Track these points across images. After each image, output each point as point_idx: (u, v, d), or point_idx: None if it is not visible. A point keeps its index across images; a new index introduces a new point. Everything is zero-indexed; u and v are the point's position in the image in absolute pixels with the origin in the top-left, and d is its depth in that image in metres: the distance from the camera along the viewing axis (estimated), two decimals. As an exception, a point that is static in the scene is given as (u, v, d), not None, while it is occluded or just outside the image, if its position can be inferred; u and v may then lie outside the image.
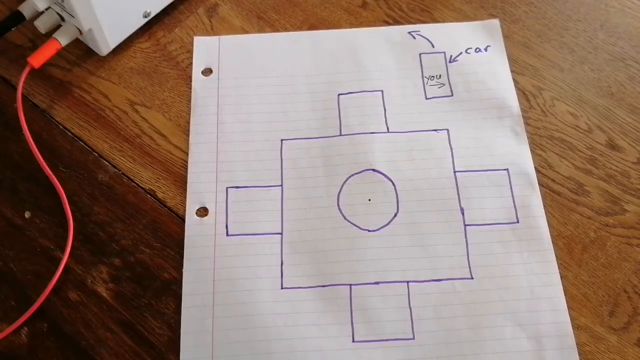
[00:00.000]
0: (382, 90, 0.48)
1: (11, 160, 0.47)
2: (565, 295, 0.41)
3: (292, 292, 0.41)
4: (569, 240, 0.43)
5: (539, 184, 0.45)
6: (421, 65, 0.50)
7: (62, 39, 0.47)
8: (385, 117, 0.47)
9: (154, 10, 0.51)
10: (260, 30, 0.52)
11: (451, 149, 0.46)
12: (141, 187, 0.46)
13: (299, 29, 0.52)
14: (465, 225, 0.43)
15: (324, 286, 0.41)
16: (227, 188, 0.45)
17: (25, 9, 0.46)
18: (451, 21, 0.52)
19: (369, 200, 0.44)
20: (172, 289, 0.42)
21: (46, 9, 0.46)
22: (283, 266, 0.42)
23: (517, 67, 0.50)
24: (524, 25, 0.52)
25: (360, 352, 0.40)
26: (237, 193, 0.45)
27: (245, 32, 0.52)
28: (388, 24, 0.52)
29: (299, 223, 0.44)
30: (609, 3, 0.53)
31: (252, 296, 0.41)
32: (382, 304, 0.41)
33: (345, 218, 0.44)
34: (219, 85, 0.49)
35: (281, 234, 0.43)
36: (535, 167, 0.45)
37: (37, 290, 0.42)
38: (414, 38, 0.51)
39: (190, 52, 0.51)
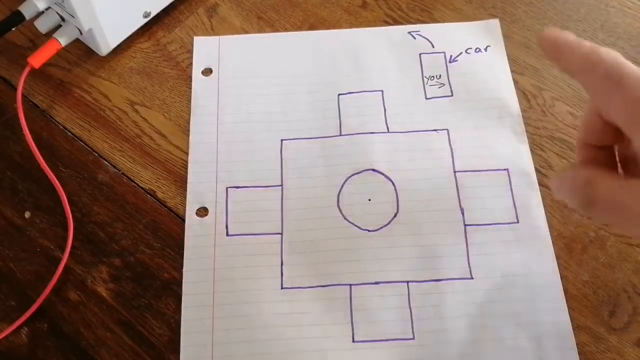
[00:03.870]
0: (382, 90, 0.48)
1: (11, 160, 0.47)
2: (565, 295, 0.41)
3: (292, 292, 0.41)
4: (569, 240, 0.43)
5: (539, 184, 0.45)
6: (421, 65, 0.50)
7: (62, 39, 0.47)
8: (385, 117, 0.47)
9: (154, 10, 0.51)
10: (260, 30, 0.52)
11: (451, 149, 0.46)
12: (141, 187, 0.46)
13: (299, 29, 0.52)
14: (465, 225, 0.43)
15: (324, 286, 0.41)
16: (227, 188, 0.45)
17: (25, 9, 0.46)
18: (451, 21, 0.52)
19: (369, 200, 0.44)
20: (172, 289, 0.42)
21: (46, 9, 0.46)
22: (283, 266, 0.42)
23: (517, 67, 0.50)
24: (524, 25, 0.52)
25: (360, 352, 0.40)
26: (237, 193, 0.45)
27: (245, 32, 0.52)
28: (388, 24, 0.52)
29: (299, 223, 0.44)
30: (609, 3, 0.53)
31: (252, 296, 0.41)
32: (382, 304, 0.41)
33: (345, 218, 0.44)
34: (219, 85, 0.49)
35: (281, 234, 0.43)
36: (535, 167, 0.45)
37: (37, 290, 0.42)
38: (414, 38, 0.51)
39: (190, 52, 0.51)
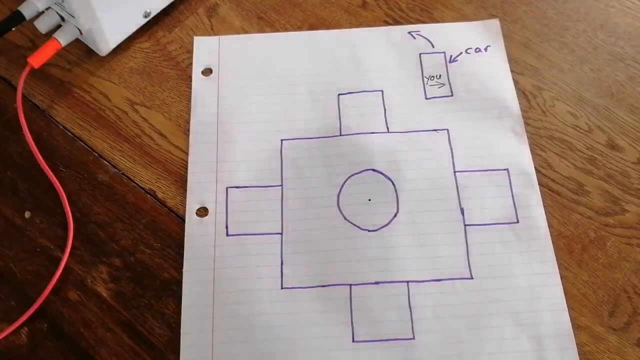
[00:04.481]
0: (382, 90, 0.48)
1: (11, 160, 0.47)
2: (565, 295, 0.41)
3: (292, 292, 0.41)
4: (569, 240, 0.43)
5: (539, 184, 0.45)
6: (421, 65, 0.50)
7: (62, 39, 0.47)
8: (385, 117, 0.47)
9: (154, 10, 0.51)
10: (260, 30, 0.52)
11: (451, 149, 0.46)
12: (141, 187, 0.46)
13: (299, 29, 0.52)
14: (465, 225, 0.43)
15: (324, 286, 0.41)
16: (227, 188, 0.45)
17: (25, 9, 0.46)
18: (451, 21, 0.52)
19: (369, 200, 0.44)
20: (172, 289, 0.42)
21: (46, 9, 0.46)
22: (283, 266, 0.42)
23: (517, 67, 0.50)
24: (524, 25, 0.52)
25: (360, 352, 0.40)
26: (237, 193, 0.45)
27: (245, 32, 0.52)
28: (388, 24, 0.52)
29: (299, 223, 0.44)
30: (609, 3, 0.53)
31: (252, 296, 0.41)
32: (382, 304, 0.41)
33: (345, 218, 0.44)
34: (219, 85, 0.49)
35: (281, 234, 0.43)
36: (535, 167, 0.45)
37: (37, 290, 0.42)
38: (414, 38, 0.51)
39: (190, 52, 0.51)
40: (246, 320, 0.41)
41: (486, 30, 0.51)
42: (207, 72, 0.50)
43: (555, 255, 0.42)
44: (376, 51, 0.50)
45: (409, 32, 0.51)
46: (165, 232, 0.44)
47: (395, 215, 0.44)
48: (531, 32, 0.52)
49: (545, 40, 0.51)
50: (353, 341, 0.40)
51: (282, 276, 0.42)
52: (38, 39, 0.51)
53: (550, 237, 0.43)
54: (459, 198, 0.44)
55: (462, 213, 0.44)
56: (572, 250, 0.43)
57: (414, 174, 0.45)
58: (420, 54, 0.50)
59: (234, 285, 0.42)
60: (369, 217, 0.44)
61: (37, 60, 0.46)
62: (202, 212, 0.44)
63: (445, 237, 0.43)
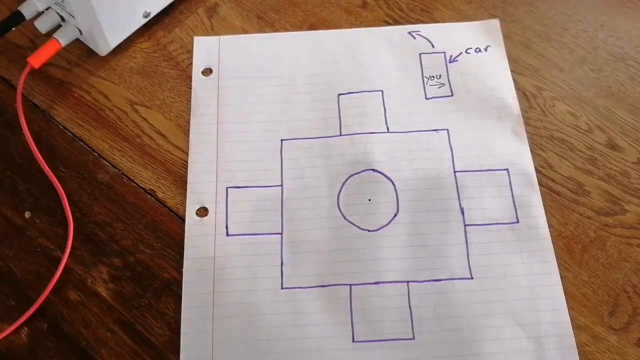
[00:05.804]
0: (382, 90, 0.48)
1: (11, 160, 0.47)
2: (565, 295, 0.41)
3: (292, 292, 0.41)
4: (569, 240, 0.43)
5: (539, 184, 0.45)
6: (421, 65, 0.50)
7: (62, 39, 0.47)
8: (385, 117, 0.47)
9: (154, 10, 0.51)
10: (260, 30, 0.52)
11: (451, 149, 0.46)
12: (141, 187, 0.46)
13: (299, 29, 0.52)
14: (465, 225, 0.43)
15: (324, 286, 0.41)
16: (227, 188, 0.45)
17: (25, 9, 0.46)
18: (451, 21, 0.52)
19: (369, 200, 0.44)
20: (172, 289, 0.42)
21: (46, 9, 0.46)
22: (283, 266, 0.42)
23: (517, 67, 0.50)
24: (524, 25, 0.52)
25: (360, 352, 0.40)
26: (237, 193, 0.45)
27: (245, 32, 0.52)
28: (388, 24, 0.52)
29: (299, 223, 0.44)
30: (609, 3, 0.53)
31: (252, 296, 0.41)
32: (382, 304, 0.41)
33: (345, 218, 0.44)
34: (219, 85, 0.49)
35: (281, 234, 0.43)
36: (535, 167, 0.45)
37: (37, 290, 0.42)
38: (414, 38, 0.51)
39: (190, 52, 0.51)
40: (246, 320, 0.41)
41: (486, 30, 0.51)
42: (207, 72, 0.50)
43: (555, 255, 0.42)
44: (376, 51, 0.50)
45: (409, 32, 0.51)
46: (165, 232, 0.44)
47: (395, 215, 0.44)
48: (531, 32, 0.52)
49: (545, 40, 0.51)
50: (353, 341, 0.40)
51: (282, 276, 0.42)
52: (38, 39, 0.51)
53: (550, 237, 0.43)
54: (459, 198, 0.44)
55: (462, 213, 0.44)
56: (572, 250, 0.43)
57: (414, 174, 0.45)
58: (420, 54, 0.50)
59: (234, 285, 0.42)
60: (369, 217, 0.44)
61: (37, 60, 0.47)
62: (202, 212, 0.44)
63: (445, 237, 0.43)
